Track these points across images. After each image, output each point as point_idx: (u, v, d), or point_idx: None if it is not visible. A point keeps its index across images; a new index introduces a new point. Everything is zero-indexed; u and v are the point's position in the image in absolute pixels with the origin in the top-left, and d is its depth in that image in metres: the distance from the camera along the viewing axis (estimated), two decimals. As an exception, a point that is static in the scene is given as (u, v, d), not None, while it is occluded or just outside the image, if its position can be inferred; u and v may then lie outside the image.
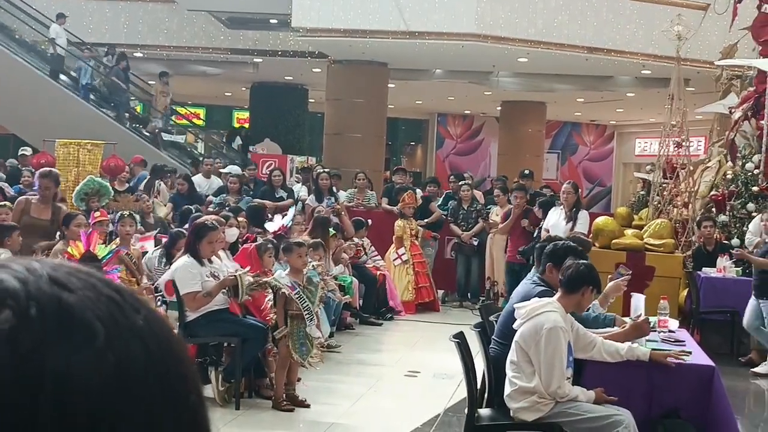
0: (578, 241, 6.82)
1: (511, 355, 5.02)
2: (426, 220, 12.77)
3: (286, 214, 10.52)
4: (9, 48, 18.56)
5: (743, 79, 12.64)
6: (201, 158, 18.57)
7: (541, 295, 5.26)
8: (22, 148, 16.06)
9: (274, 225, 9.88)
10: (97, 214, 8.59)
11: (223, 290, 7.10)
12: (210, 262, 7.18)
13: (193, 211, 10.32)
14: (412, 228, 12.30)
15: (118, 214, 8.45)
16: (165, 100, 20.41)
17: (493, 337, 5.63)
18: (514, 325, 5.05)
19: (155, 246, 9.05)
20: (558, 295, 5.13)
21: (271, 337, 7.13)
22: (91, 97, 19.22)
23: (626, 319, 6.64)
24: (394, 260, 12.18)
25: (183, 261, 7.09)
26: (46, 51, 19.42)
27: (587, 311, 5.82)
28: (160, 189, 13.05)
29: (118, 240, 7.90)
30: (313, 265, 7.34)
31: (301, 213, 11.70)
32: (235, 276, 7.09)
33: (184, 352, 0.70)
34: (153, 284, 7.90)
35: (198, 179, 14.62)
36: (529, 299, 5.16)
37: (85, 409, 0.61)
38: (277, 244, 8.40)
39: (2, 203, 8.59)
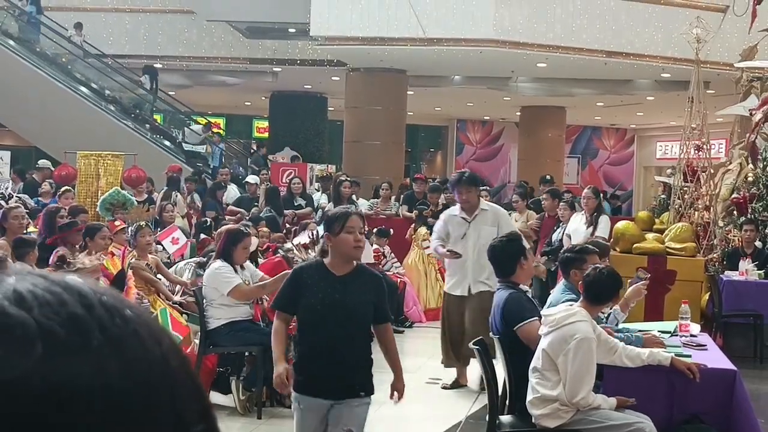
0: (598, 246, 6.83)
1: (536, 362, 5.00)
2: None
3: (308, 227, 10.55)
4: (30, 60, 18.73)
5: (763, 80, 12.57)
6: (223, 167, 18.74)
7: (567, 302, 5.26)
8: (40, 161, 16.12)
9: (299, 239, 9.91)
10: (117, 223, 8.69)
11: (248, 302, 7.09)
12: (242, 268, 7.17)
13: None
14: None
15: (135, 225, 8.48)
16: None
17: (495, 336, 5.60)
18: (540, 331, 5.03)
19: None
20: (581, 302, 5.12)
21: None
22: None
23: (651, 325, 6.63)
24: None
25: (218, 264, 7.00)
26: (66, 64, 19.66)
27: (604, 314, 5.86)
28: (176, 200, 13.09)
29: (135, 252, 7.96)
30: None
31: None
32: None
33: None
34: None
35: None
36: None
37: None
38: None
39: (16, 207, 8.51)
